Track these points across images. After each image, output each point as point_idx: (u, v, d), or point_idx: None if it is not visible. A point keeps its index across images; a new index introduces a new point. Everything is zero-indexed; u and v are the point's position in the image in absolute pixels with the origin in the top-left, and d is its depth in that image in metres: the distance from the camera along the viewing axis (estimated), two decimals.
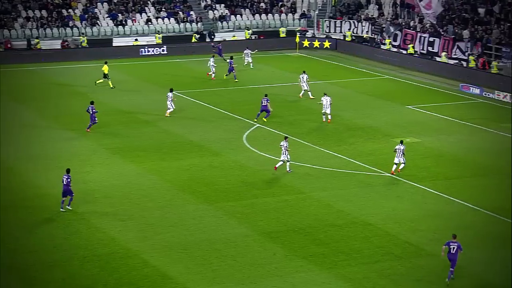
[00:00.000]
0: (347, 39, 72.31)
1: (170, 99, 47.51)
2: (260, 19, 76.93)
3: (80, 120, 46.00)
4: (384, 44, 68.75)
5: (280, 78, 59.34)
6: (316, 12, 76.37)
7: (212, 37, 72.44)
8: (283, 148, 37.57)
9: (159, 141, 42.78)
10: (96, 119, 43.91)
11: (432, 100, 53.25)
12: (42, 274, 27.24)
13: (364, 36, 71.61)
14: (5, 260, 28.12)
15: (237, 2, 78.02)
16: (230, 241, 29.98)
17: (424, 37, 65.47)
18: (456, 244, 26.92)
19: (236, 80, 56.19)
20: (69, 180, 32.65)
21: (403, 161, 37.49)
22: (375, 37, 70.61)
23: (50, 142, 42.43)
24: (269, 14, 77.48)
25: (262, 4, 78.19)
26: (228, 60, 57.47)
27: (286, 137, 38.57)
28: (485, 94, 54.87)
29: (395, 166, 37.63)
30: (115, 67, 62.56)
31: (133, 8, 74.09)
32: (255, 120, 46.32)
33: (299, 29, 75.10)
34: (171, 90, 48.14)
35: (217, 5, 77.30)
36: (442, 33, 65.18)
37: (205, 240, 30.08)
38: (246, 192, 35.27)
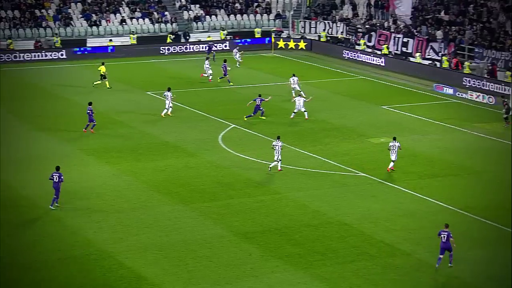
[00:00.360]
0: (322, 39, 72.53)
1: (170, 98, 47.24)
2: (235, 19, 76.93)
3: (55, 121, 45.74)
4: (359, 44, 69.05)
5: (256, 79, 59.38)
6: (291, 12, 76.55)
7: (187, 37, 72.30)
8: (277, 148, 37.62)
9: (134, 142, 42.62)
10: (95, 121, 43.65)
11: (406, 100, 53.57)
12: (16, 277, 27.01)
13: (339, 37, 71.87)
14: None
15: (212, 3, 77.94)
16: (205, 242, 29.93)
17: (398, 37, 65.87)
18: (446, 233, 27.86)
19: (231, 83, 55.42)
20: (61, 178, 32.77)
21: (394, 159, 37.99)
22: (350, 37, 70.91)
23: (24, 144, 42.10)
24: (244, 14, 77.51)
25: (237, 5, 78.19)
26: (222, 65, 56.67)
27: (278, 137, 38.44)
28: (458, 94, 55.32)
29: (392, 163, 38.06)
30: (90, 67, 62.37)
31: (107, 8, 73.73)
32: (263, 117, 46.39)
33: (274, 29, 75.20)
34: (169, 89, 47.89)
35: (192, 6, 77.17)
36: (416, 33, 65.62)
37: (181, 241, 30.02)
38: (222, 193, 35.25)
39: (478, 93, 54.36)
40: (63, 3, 72.66)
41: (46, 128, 45.03)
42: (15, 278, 26.93)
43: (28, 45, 67.43)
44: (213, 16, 76.50)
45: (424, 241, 30.29)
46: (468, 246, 29.90)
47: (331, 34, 72.82)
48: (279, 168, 37.86)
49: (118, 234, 30.58)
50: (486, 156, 41.42)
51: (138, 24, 73.28)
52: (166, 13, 75.19)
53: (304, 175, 37.86)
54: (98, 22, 71.83)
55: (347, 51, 68.60)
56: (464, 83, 57.29)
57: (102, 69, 55.03)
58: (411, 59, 63.99)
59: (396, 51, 65.96)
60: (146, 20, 73.79)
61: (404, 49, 65.25)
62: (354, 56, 67.71)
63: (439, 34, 63.85)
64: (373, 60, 65.85)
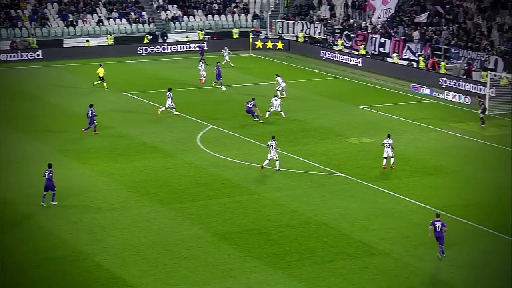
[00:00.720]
0: (299, 40, 72.63)
1: (171, 98, 47.20)
2: (213, 20, 76.84)
3: (32, 122, 45.48)
4: (336, 45, 69.23)
5: (234, 79, 59.27)
6: (269, 13, 76.61)
7: (165, 38, 72.08)
8: (271, 147, 37.65)
9: (112, 143, 42.43)
10: (95, 122, 43.38)
11: (383, 101, 53.77)
12: None
13: (317, 37, 72.01)
14: None
15: (189, 3, 77.75)
16: (184, 242, 29.85)
17: (376, 38, 66.13)
18: (440, 222, 28.53)
19: (223, 88, 55.07)
20: (51, 174, 32.77)
21: (391, 155, 38.18)
22: (327, 38, 71.07)
23: (1, 145, 41.75)
24: (222, 15, 77.42)
25: (214, 5, 78.08)
26: (214, 67, 56.22)
27: (273, 137, 38.51)
28: (435, 94, 55.62)
29: (385, 160, 38.30)
30: (66, 68, 62.02)
31: (84, 8, 73.29)
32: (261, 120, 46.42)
33: (252, 30, 75.18)
34: (170, 89, 47.75)
35: (170, 6, 76.95)
36: (393, 34, 65.91)
37: (159, 242, 29.91)
38: (200, 193, 35.17)
39: (454, 93, 54.69)
40: (39, 3, 72.15)
41: (23, 129, 44.68)
42: None
43: (4, 46, 66.85)
44: (190, 16, 76.35)
45: (401, 240, 30.43)
46: (445, 245, 30.01)
47: (309, 34, 72.96)
48: (277, 168, 37.92)
49: (96, 235, 30.42)
50: (463, 155, 41.69)
51: (115, 24, 72.96)
52: (144, 13, 74.92)
53: (282, 175, 37.86)
54: (74, 23, 71.39)
55: (324, 52, 68.76)
56: (440, 83, 57.64)
57: (100, 71, 54.37)
58: (388, 59, 64.27)
59: (373, 52, 66.22)
60: (123, 20, 73.48)
61: (381, 49, 65.55)
62: (332, 57, 67.88)
63: (416, 34, 64.18)
64: (351, 61, 66.05)
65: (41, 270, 27.48)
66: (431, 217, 32.46)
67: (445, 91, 55.49)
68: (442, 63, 59.52)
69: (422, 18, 64.99)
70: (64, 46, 68.50)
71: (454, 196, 35.13)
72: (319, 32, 72.25)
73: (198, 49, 66.71)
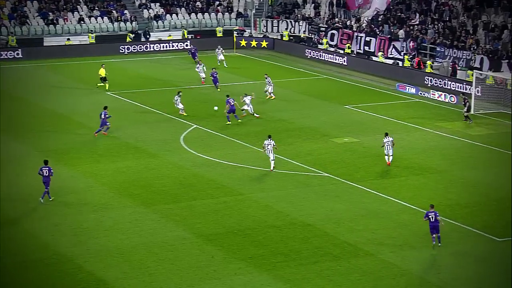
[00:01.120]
0: (284, 38, 72.35)
1: (178, 100, 46.99)
2: (197, 18, 76.41)
3: (11, 121, 44.94)
4: (321, 43, 69.01)
5: (219, 79, 58.82)
6: (253, 11, 76.31)
7: (148, 36, 71.55)
8: (270, 147, 37.53)
9: (94, 143, 42.05)
10: (109, 123, 42.82)
11: (369, 100, 53.61)
12: None
13: (301, 36, 71.76)
14: None
15: (172, 1, 77.28)
16: (167, 244, 29.59)
17: (361, 36, 65.95)
18: (433, 213, 29.46)
19: (219, 90, 54.04)
20: (51, 171, 32.98)
21: (391, 153, 38.44)
22: (312, 36, 70.84)
23: None
24: (205, 13, 77.00)
25: (198, 3, 77.65)
26: (211, 72, 55.02)
27: (269, 136, 38.34)
28: (420, 93, 55.50)
29: (390, 157, 38.53)
30: (46, 67, 61.45)
31: (64, 6, 72.59)
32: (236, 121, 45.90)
33: (236, 28, 74.84)
34: (179, 93, 47.57)
35: (152, 4, 76.45)
36: (378, 32, 65.76)
37: (142, 243, 29.62)
38: (184, 194, 34.87)
39: (440, 92, 54.60)
40: (19, 1, 71.37)
41: (2, 129, 44.09)
42: None
43: None
44: (173, 14, 75.88)
45: (387, 241, 30.30)
46: (431, 245, 29.85)
47: (294, 33, 72.71)
48: (271, 167, 37.73)
49: (78, 237, 30.11)
50: (449, 155, 41.56)
51: (97, 22, 72.33)
52: (126, 11, 74.37)
53: (267, 175, 37.61)
54: (55, 21, 70.69)
55: (309, 50, 68.51)
56: (426, 82, 57.53)
57: (102, 72, 53.65)
58: (374, 58, 64.09)
59: (358, 50, 66.03)
60: (105, 18, 72.90)
61: (366, 48, 65.38)
62: (317, 55, 67.64)
63: (401, 33, 64.06)
64: (336, 59, 65.83)
65: (22, 272, 27.16)
66: (417, 217, 32.49)
67: (431, 90, 55.39)
68: (428, 62, 59.44)
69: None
70: (44, 44, 67.75)
71: (440, 196, 34.95)
72: (304, 31, 71.99)
73: (191, 51, 63.92)
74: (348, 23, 69.79)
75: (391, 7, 68.45)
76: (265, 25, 75.08)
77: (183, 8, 76.93)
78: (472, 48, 58.59)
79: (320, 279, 27.01)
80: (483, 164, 40.26)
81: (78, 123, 45.97)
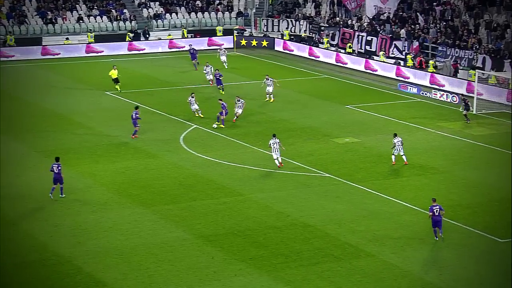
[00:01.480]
0: (285, 38, 72.13)
1: (193, 101, 46.41)
2: (196, 17, 76.20)
3: (10, 121, 44.75)
4: (322, 43, 68.77)
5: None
6: (254, 10, 76.11)
7: (147, 36, 71.32)
8: (276, 145, 37.68)
9: (93, 143, 41.86)
10: (139, 125, 42.32)
11: (370, 100, 53.41)
12: None
13: (302, 35, 71.54)
14: None
15: (172, 0, 77.06)
16: (167, 245, 29.42)
17: (362, 36, 65.70)
18: (437, 206, 29.83)
19: (223, 92, 52.93)
20: (60, 168, 33.10)
21: (402, 153, 38.47)
22: (313, 35, 70.62)
23: None
24: (205, 12, 76.79)
25: (198, 2, 77.44)
26: (215, 73, 54.18)
27: (274, 135, 38.48)
28: (422, 93, 55.27)
29: (404, 157, 38.51)
30: (44, 66, 61.27)
31: (63, 5, 72.35)
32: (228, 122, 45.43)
33: (236, 28, 74.63)
34: (192, 94, 46.98)
35: (152, 3, 76.25)
36: (379, 31, 65.52)
37: (141, 244, 29.45)
38: (184, 195, 34.67)
39: (442, 92, 54.38)
40: (17, 0, 71.09)
41: (1, 129, 43.87)
42: None
43: None
44: (173, 14, 75.66)
45: (388, 242, 30.14)
46: (432, 246, 29.69)
47: (294, 32, 72.49)
48: (278, 164, 37.87)
49: (77, 238, 29.94)
50: (451, 155, 41.36)
51: (96, 22, 72.08)
52: (125, 10, 74.16)
53: (268, 176, 37.42)
54: (54, 20, 70.46)
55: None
56: (428, 82, 57.27)
57: (113, 74, 53.10)
58: (375, 57, 63.82)
59: (359, 50, 65.79)
60: (104, 18, 72.67)
61: (367, 47, 65.13)
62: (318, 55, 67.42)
63: (403, 32, 63.82)
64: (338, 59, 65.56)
65: (20, 273, 26.99)
66: (418, 218, 32.36)
67: (433, 90, 55.16)
68: (431, 62, 59.21)
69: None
70: (43, 44, 67.43)
71: (442, 197, 34.65)
72: (305, 30, 71.76)
73: (191, 52, 62.48)
74: (349, 22, 69.57)
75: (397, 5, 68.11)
76: (265, 24, 74.88)
77: (183, 7, 76.72)
78: (474, 48, 58.34)
79: (321, 281, 26.85)
80: (485, 164, 40.06)
81: (77, 123, 45.79)
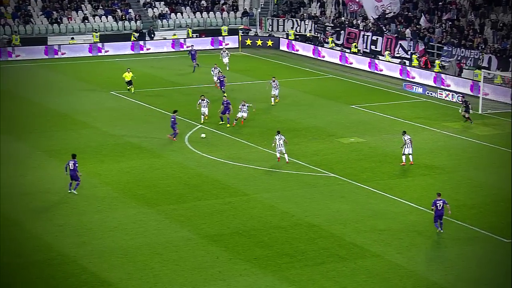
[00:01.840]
0: (290, 37, 72.05)
1: (205, 104, 45.93)
2: (201, 17, 76.16)
3: (15, 121, 44.73)
4: (327, 42, 68.68)
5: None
6: (259, 10, 76.02)
7: (152, 35, 71.30)
8: (281, 141, 38.15)
9: (98, 143, 41.83)
10: (177, 130, 42.13)
11: (376, 100, 53.28)
12: None
13: (307, 35, 71.45)
14: None
15: (177, 0, 77.02)
16: (172, 245, 29.39)
17: (367, 35, 65.58)
18: (441, 201, 30.49)
19: (225, 94, 51.30)
20: (76, 165, 33.37)
21: (411, 152, 38.56)
22: (318, 35, 70.52)
23: None
24: (210, 12, 76.75)
25: (203, 2, 77.40)
26: (218, 75, 53.95)
27: (278, 132, 38.90)
28: (428, 93, 55.14)
29: (411, 157, 38.47)
30: (48, 66, 61.29)
31: (68, 5, 72.37)
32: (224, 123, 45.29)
33: (241, 27, 74.58)
34: (202, 96, 46.39)
35: (157, 3, 76.23)
36: (385, 31, 65.39)
37: (146, 244, 29.41)
38: (189, 195, 34.61)
39: (447, 92, 54.24)
40: (23, 0, 71.13)
41: (5, 129, 43.90)
42: None
43: None
44: (178, 13, 75.63)
45: (394, 242, 30.08)
46: (438, 246, 29.60)
47: (299, 32, 72.39)
48: (286, 160, 38.28)
49: (81, 237, 29.91)
50: (456, 155, 41.24)
51: (101, 21, 72.08)
52: (130, 10, 74.14)
53: (273, 176, 37.35)
54: (59, 20, 70.47)
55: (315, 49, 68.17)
56: (433, 82, 57.14)
57: (127, 77, 52.68)
58: (380, 57, 63.69)
59: (365, 49, 65.66)
60: (109, 17, 72.66)
61: (373, 47, 65.00)
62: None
63: (408, 32, 63.68)
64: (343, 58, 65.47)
65: (25, 273, 26.95)
66: (424, 218, 32.29)
67: (438, 90, 55.03)
68: (437, 62, 59.06)
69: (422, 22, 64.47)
70: (48, 43, 67.43)
71: (447, 197, 34.43)
72: (310, 30, 71.67)
73: (191, 53, 61.62)
74: (354, 22, 69.45)
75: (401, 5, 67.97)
76: (270, 24, 74.79)
77: (188, 7, 76.68)
78: (480, 48, 58.18)
79: (326, 281, 26.79)
80: (491, 164, 39.94)
81: (82, 123, 45.76)
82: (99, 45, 67.77)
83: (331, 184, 36.37)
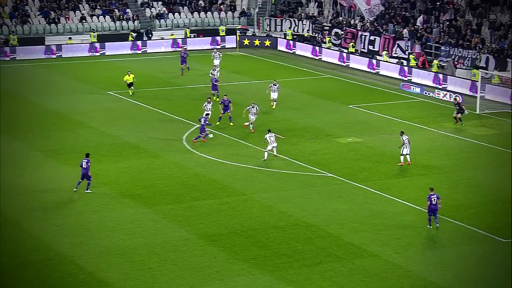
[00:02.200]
0: (288, 37, 72.05)
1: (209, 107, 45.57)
2: (199, 17, 76.14)
3: (12, 121, 44.67)
4: (325, 42, 68.69)
5: (220, 78, 58.53)
6: (256, 10, 76.01)
7: (150, 35, 71.26)
8: (272, 138, 38.36)
9: (96, 143, 41.78)
10: (207, 131, 41.85)
11: (373, 99, 53.29)
12: None
13: (305, 35, 71.46)
14: None
15: (175, 0, 76.99)
16: (169, 245, 29.36)
17: (365, 35, 65.59)
18: (435, 195, 30.79)
19: (217, 99, 50.77)
20: (88, 164, 33.50)
21: (408, 152, 38.61)
22: (316, 35, 70.53)
23: None
24: (208, 12, 76.73)
25: (201, 2, 77.38)
26: (211, 78, 53.81)
27: (269, 130, 39.16)
28: (425, 93, 55.17)
29: (408, 157, 38.55)
30: (46, 66, 61.23)
31: (66, 5, 72.32)
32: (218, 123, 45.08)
33: (239, 27, 74.57)
34: (208, 99, 45.97)
35: (155, 3, 76.18)
36: (382, 31, 65.40)
37: (144, 244, 29.39)
38: (186, 195, 34.60)
39: (445, 92, 54.27)
40: (20, 0, 71.07)
41: (2, 129, 43.87)
42: None
43: None
44: (176, 13, 75.61)
45: (391, 241, 30.08)
46: (435, 246, 29.60)
47: (297, 32, 72.40)
48: (274, 153, 38.62)
49: (79, 237, 29.87)
50: (454, 155, 41.26)
51: (99, 21, 72.03)
52: (128, 10, 74.10)
53: (270, 175, 37.34)
54: (56, 20, 70.41)
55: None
56: (431, 82, 57.15)
57: (128, 79, 52.44)
58: (378, 57, 63.71)
59: (362, 49, 65.67)
60: (107, 17, 72.62)
61: (370, 47, 65.01)
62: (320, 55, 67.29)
63: (405, 32, 63.69)
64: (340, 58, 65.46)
65: (22, 273, 26.90)
66: (421, 218, 32.25)
67: (436, 90, 55.05)
68: (435, 61, 59.09)
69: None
70: (46, 43, 67.37)
71: (445, 197, 34.53)
72: (308, 30, 71.68)
73: (181, 55, 60.53)
74: (352, 22, 69.46)
75: (396, 6, 68.00)
76: (268, 24, 74.79)
77: (185, 7, 76.66)
78: (477, 47, 58.22)
79: (323, 280, 26.79)
80: (488, 164, 39.97)
81: (79, 123, 45.71)
82: (97, 45, 67.72)
83: (328, 184, 36.37)
